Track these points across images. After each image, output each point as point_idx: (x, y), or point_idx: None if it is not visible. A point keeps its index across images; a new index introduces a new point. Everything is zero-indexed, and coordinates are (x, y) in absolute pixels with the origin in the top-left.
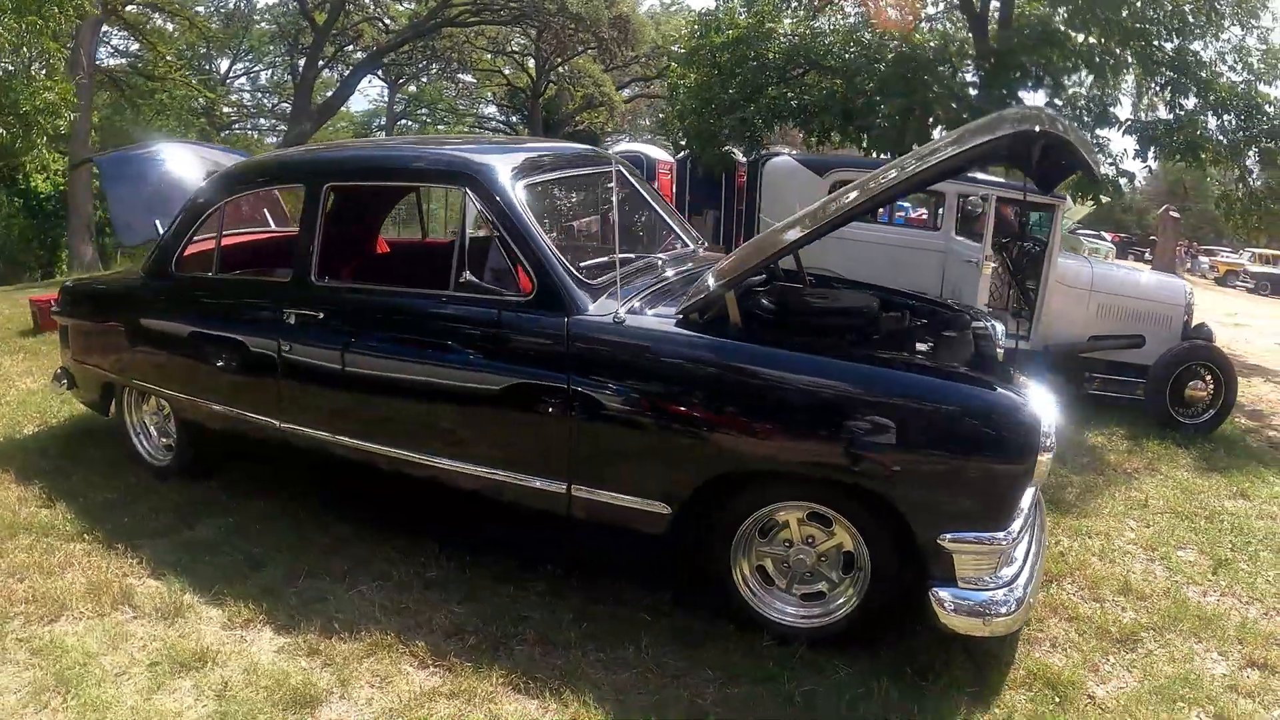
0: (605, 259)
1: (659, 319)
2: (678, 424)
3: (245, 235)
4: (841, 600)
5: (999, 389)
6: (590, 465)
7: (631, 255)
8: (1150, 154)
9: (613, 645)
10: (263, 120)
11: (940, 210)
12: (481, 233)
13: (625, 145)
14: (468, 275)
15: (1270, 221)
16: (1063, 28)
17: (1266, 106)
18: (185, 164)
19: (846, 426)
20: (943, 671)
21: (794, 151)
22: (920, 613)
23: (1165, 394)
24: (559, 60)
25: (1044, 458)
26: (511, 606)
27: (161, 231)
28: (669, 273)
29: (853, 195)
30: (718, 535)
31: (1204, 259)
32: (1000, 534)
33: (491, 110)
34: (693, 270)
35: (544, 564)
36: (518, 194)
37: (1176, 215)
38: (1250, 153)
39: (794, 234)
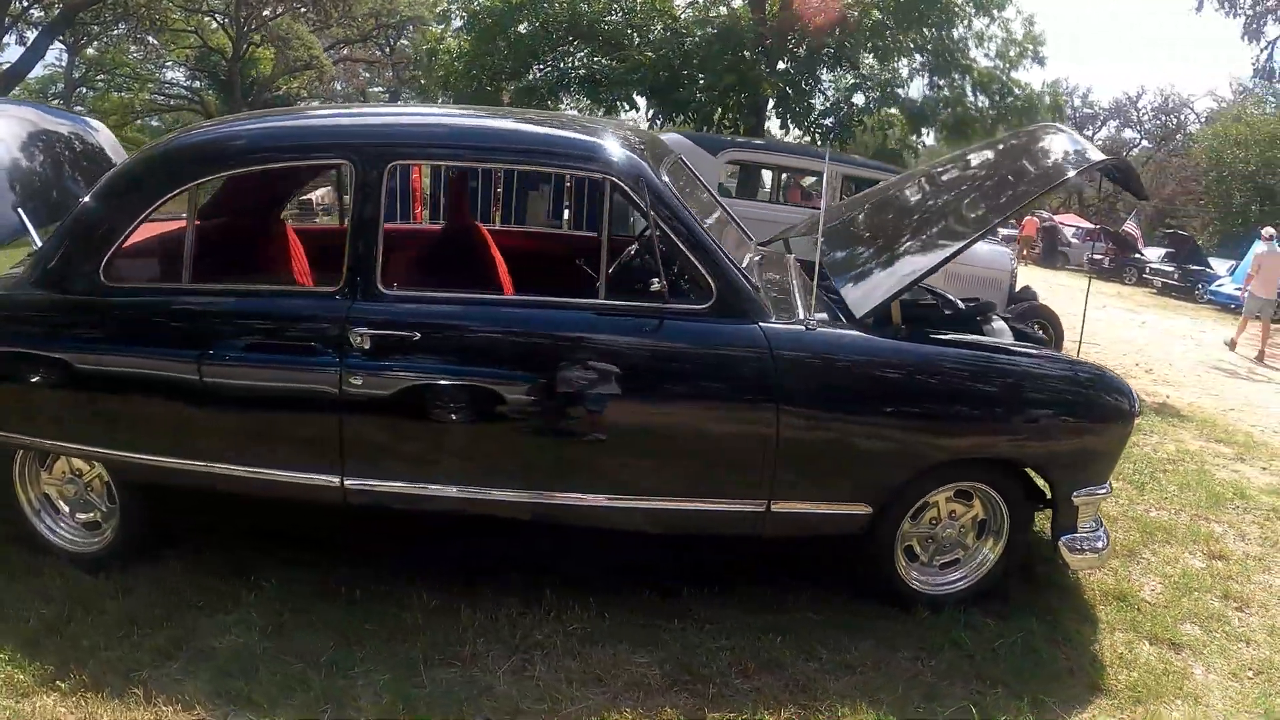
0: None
1: (838, 325)
2: (887, 427)
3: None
4: (978, 561)
5: (1101, 367)
6: (793, 478)
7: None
8: (925, 131)
9: (815, 651)
10: None
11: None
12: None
13: None
14: (661, 283)
15: None
16: (855, 13)
17: (1016, 90)
18: (21, 133)
19: (1023, 412)
20: (1054, 607)
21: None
22: None
23: None
24: (255, 22)
25: (1136, 421)
26: (690, 641)
27: (28, 225)
28: (768, 274)
29: (979, 206)
30: (888, 525)
31: None
32: (1105, 487)
33: (176, 75)
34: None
35: (655, 585)
36: (668, 185)
37: None
38: (1001, 129)
39: (947, 244)
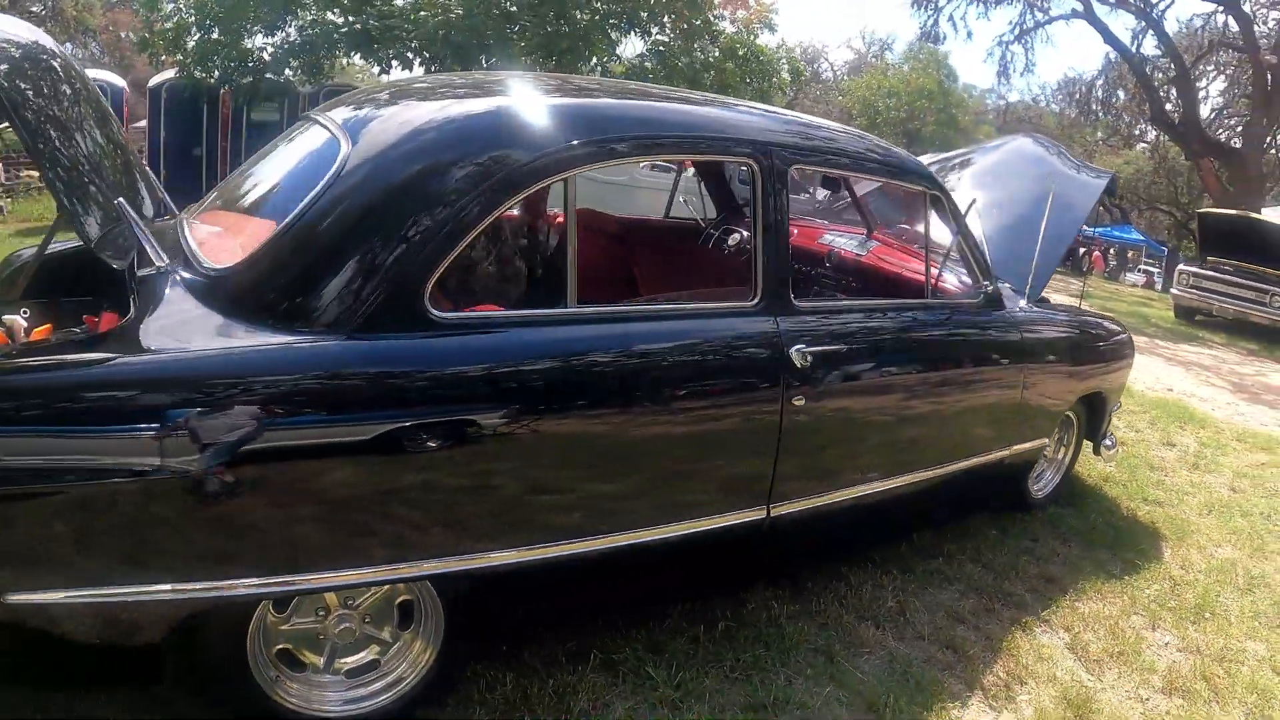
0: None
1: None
2: (1067, 377)
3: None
4: (1060, 465)
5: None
6: (1026, 426)
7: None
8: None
9: (1023, 557)
10: None
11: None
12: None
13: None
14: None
15: None
16: None
17: (760, 56)
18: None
19: (1109, 354)
20: (1086, 494)
21: None
22: None
23: None
24: None
25: None
26: (961, 573)
27: (136, 224)
28: None
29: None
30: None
31: None
32: (1119, 404)
33: None
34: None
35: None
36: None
37: None
38: (747, 92)
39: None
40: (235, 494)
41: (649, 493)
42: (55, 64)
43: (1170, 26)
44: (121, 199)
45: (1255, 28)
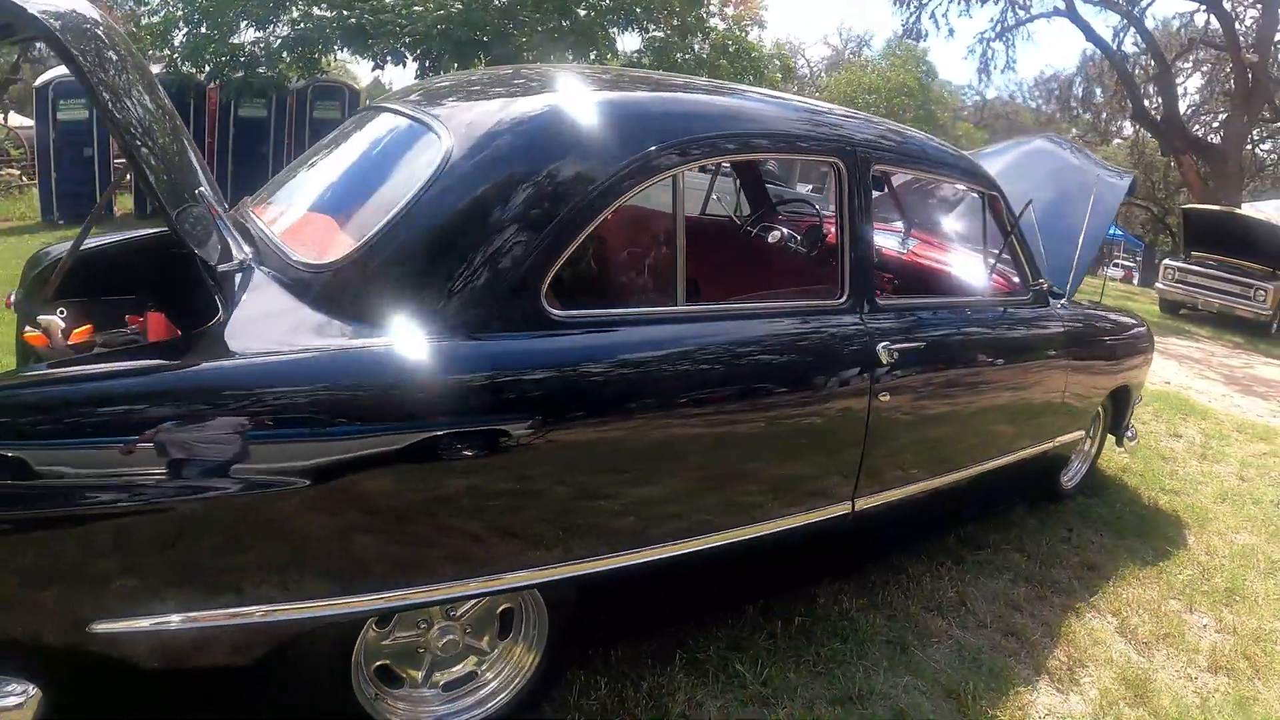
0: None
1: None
2: (1101, 371)
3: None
4: (1087, 455)
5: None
6: (1067, 417)
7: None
8: None
9: (1063, 546)
10: None
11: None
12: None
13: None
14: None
15: None
16: None
17: (752, 52)
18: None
19: (1133, 348)
20: (1106, 485)
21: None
22: None
23: None
24: None
25: None
26: (1007, 562)
27: (218, 213)
28: None
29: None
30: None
31: None
32: (1141, 395)
33: None
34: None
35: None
36: None
37: None
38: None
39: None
40: (360, 503)
41: (750, 490)
42: (100, 31)
43: (1147, 24)
44: (202, 187)
45: (1235, 25)
